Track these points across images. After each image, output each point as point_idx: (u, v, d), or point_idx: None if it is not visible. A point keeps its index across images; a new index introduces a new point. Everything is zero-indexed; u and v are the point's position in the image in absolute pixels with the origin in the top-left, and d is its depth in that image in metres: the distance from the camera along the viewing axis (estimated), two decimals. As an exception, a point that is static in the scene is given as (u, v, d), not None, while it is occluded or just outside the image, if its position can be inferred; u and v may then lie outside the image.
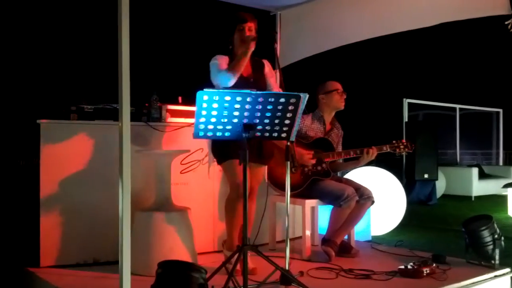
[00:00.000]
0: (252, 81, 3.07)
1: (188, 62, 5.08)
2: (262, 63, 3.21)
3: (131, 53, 2.68)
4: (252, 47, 2.92)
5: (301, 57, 4.49)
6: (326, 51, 4.31)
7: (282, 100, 2.37)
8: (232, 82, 2.91)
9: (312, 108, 3.74)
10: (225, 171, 3.07)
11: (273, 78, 3.21)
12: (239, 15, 3.10)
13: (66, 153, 3.24)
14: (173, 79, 4.90)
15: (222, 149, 3.04)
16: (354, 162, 3.55)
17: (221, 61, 3.03)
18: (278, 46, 4.38)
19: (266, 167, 3.35)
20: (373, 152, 3.46)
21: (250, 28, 3.05)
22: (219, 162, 3.09)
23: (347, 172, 4.97)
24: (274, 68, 3.72)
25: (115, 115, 3.32)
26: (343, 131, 3.80)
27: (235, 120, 2.37)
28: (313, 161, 3.48)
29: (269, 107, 2.37)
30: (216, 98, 2.28)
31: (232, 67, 2.93)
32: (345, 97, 3.65)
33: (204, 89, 2.25)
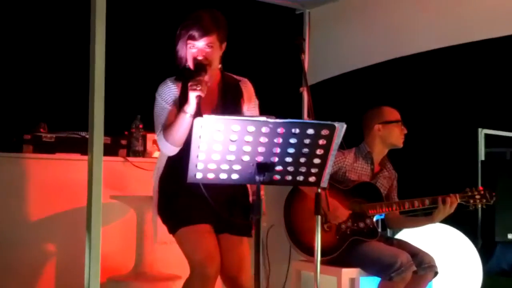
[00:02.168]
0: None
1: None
2: (238, 86, 3.00)
3: (107, 64, 2.72)
4: (202, 93, 2.67)
5: (339, 72, 4.53)
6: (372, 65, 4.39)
7: (311, 131, 2.33)
8: (173, 152, 2.76)
9: (352, 140, 3.72)
10: (181, 244, 2.78)
11: (254, 111, 3.00)
12: (189, 18, 2.83)
13: (15, 197, 3.25)
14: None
15: (175, 208, 2.80)
16: (423, 219, 3.55)
17: (166, 101, 2.83)
18: (306, 57, 4.41)
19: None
20: (453, 202, 3.41)
21: (209, 46, 2.80)
22: (171, 231, 2.81)
23: (398, 232, 4.89)
24: (301, 84, 3.73)
25: (83, 147, 3.32)
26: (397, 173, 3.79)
27: (246, 158, 2.34)
28: (346, 216, 3.42)
29: (292, 140, 2.33)
30: (220, 127, 2.26)
31: (168, 132, 2.75)
32: (405, 132, 3.66)
33: (204, 115, 2.23)
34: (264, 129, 2.28)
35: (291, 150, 2.36)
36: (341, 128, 2.36)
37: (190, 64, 2.83)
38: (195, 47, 2.81)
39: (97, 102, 2.66)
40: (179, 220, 2.78)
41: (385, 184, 3.70)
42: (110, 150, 3.51)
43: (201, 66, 2.77)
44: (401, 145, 3.69)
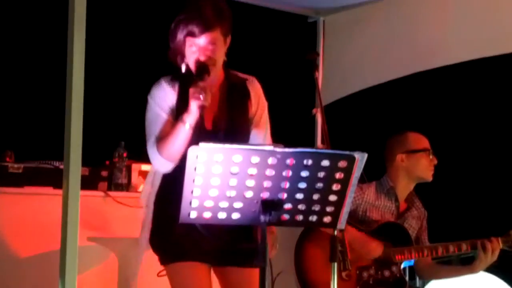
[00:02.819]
0: (221, 137, 2.84)
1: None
2: (244, 86, 2.99)
3: (86, 82, 2.73)
4: (206, 102, 2.68)
5: (358, 88, 4.58)
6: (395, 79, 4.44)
7: (326, 163, 2.34)
8: (166, 168, 2.77)
9: (373, 170, 3.73)
10: (172, 279, 2.83)
11: (262, 123, 2.99)
12: (186, 9, 2.80)
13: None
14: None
15: (171, 237, 2.82)
16: (460, 268, 3.61)
17: (160, 107, 2.83)
18: (320, 74, 4.44)
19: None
20: (495, 248, 3.40)
21: (212, 43, 2.78)
22: (163, 262, 2.87)
23: (429, 282, 4.85)
24: (313, 105, 3.74)
25: (56, 179, 3.32)
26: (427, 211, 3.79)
27: (249, 194, 2.34)
28: (381, 249, 3.43)
29: (304, 174, 2.33)
30: (219, 157, 2.27)
31: (163, 144, 2.75)
32: (435, 163, 3.65)
33: (200, 143, 2.24)
34: (271, 160, 2.28)
35: (302, 185, 2.36)
36: (361, 159, 2.36)
37: (190, 65, 2.82)
38: (196, 45, 2.80)
39: (74, 126, 2.68)
40: (174, 253, 2.82)
41: (413, 224, 3.69)
42: (88, 183, 3.52)
43: (204, 69, 2.76)
44: (430, 179, 3.68)
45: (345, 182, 2.38)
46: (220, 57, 2.87)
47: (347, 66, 4.60)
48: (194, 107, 2.69)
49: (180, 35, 2.81)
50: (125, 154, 3.73)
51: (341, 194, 2.41)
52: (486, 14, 3.97)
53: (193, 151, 2.24)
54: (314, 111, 4.51)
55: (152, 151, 2.81)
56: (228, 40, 2.88)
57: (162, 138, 2.79)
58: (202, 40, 2.79)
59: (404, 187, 3.70)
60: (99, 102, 4.43)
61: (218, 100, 2.93)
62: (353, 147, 2.47)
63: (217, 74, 2.90)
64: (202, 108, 2.69)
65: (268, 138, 3.03)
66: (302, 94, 4.56)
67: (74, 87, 2.71)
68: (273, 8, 4.57)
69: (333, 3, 4.53)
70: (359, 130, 5.56)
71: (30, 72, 4.76)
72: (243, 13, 4.60)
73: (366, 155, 2.35)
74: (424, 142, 3.70)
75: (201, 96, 2.68)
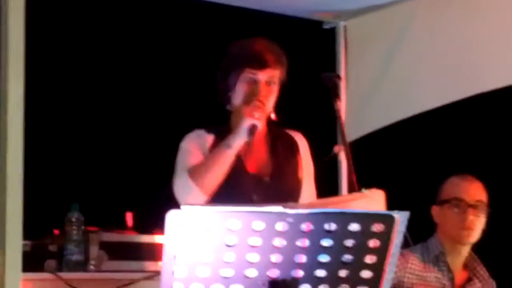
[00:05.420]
0: (267, 182, 3.16)
1: (149, 137, 5.17)
2: (291, 138, 3.32)
3: (29, 119, 2.75)
4: (260, 122, 3.05)
5: (395, 118, 4.59)
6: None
7: (355, 227, 2.35)
8: (198, 199, 3.00)
9: (420, 231, 3.75)
10: None
11: (310, 180, 3.30)
12: (247, 46, 3.22)
13: None
14: (116, 175, 4.95)
15: None
16: None
17: (193, 147, 3.17)
18: (342, 102, 4.44)
19: None
20: None
21: (271, 81, 3.15)
22: None
23: None
24: (335, 141, 3.77)
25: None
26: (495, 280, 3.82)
27: (252, 273, 2.35)
28: None
29: (325, 243, 2.35)
30: (209, 224, 2.29)
31: (198, 171, 3.03)
32: (470, 219, 3.66)
33: (183, 205, 2.26)
34: (281, 226, 2.30)
35: (324, 259, 2.37)
36: (403, 220, 2.38)
37: (239, 101, 3.17)
38: (254, 79, 3.14)
39: (11, 185, 2.70)
40: None
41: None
42: (31, 262, 3.50)
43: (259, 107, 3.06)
44: (462, 242, 3.70)
45: (382, 253, 2.39)
46: (272, 103, 3.20)
47: (379, 89, 4.62)
48: (245, 125, 2.98)
49: (234, 66, 3.18)
50: (80, 221, 3.72)
51: (378, 268, 2.42)
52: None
53: (173, 216, 2.26)
54: (336, 149, 4.51)
55: (181, 180, 3.08)
56: (279, 89, 3.23)
57: (198, 166, 3.07)
58: (262, 76, 3.13)
59: (453, 252, 3.72)
60: (45, 151, 4.46)
61: (263, 146, 3.24)
62: (391, 201, 2.49)
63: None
64: (254, 130, 2.98)
65: (313, 192, 3.33)
66: (319, 126, 4.58)
67: (11, 132, 2.76)
68: (276, 13, 4.59)
69: (357, 2, 4.56)
70: (396, 175, 5.56)
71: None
72: (238, 20, 4.67)
73: (408, 214, 2.38)
74: (458, 190, 3.72)
75: (256, 114, 2.98)
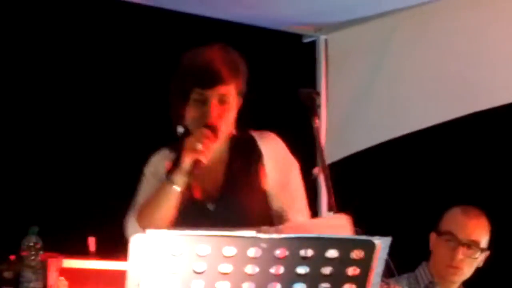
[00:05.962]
0: (212, 209, 3.07)
1: (114, 158, 5.18)
2: (255, 147, 3.16)
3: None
4: (204, 157, 2.91)
5: (380, 139, 4.59)
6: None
7: (333, 253, 2.34)
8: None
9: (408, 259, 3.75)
10: None
11: (290, 191, 3.17)
12: (195, 59, 3.07)
13: None
14: (79, 197, 4.95)
15: None
16: None
17: (150, 173, 3.12)
18: (322, 121, 4.45)
19: None
20: None
21: (224, 100, 3.03)
22: None
23: None
24: (314, 163, 3.76)
25: None
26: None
27: (222, 303, 2.34)
28: None
29: (301, 270, 2.34)
30: (175, 249, 2.27)
31: (145, 217, 2.97)
32: (464, 257, 3.69)
33: (148, 230, 2.25)
34: (253, 252, 2.29)
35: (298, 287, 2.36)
36: (384, 247, 2.37)
37: (190, 123, 3.06)
38: (202, 100, 3.01)
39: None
40: None
41: None
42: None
43: (211, 129, 2.96)
44: (450, 279, 3.74)
45: (362, 281, 2.39)
46: (230, 121, 3.10)
47: (364, 106, 4.64)
48: (187, 161, 2.87)
49: (181, 88, 3.05)
50: (38, 245, 3.72)
51: (357, 299, 2.42)
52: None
53: (137, 241, 2.25)
54: (315, 171, 4.49)
55: (130, 223, 3.03)
56: (240, 101, 3.12)
57: (144, 208, 3.00)
58: (213, 95, 3.00)
59: (444, 283, 3.72)
60: (1, 170, 4.46)
61: (219, 165, 3.13)
62: (374, 226, 2.49)
63: (220, 142, 3.08)
64: (197, 165, 2.87)
65: (301, 208, 3.20)
66: (298, 147, 4.58)
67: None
68: (252, 26, 4.60)
69: (339, 15, 4.58)
70: (381, 199, 5.57)
71: None
72: (214, 32, 4.68)
73: (389, 240, 2.37)
74: (454, 224, 3.74)
75: (198, 147, 2.87)
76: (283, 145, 3.22)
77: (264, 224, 2.95)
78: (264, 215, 3.09)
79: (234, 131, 3.15)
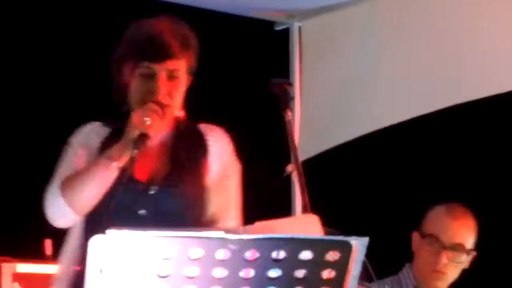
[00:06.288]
0: (155, 192, 3.00)
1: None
2: (203, 142, 3.12)
3: None
4: (152, 131, 2.88)
5: (358, 133, 4.64)
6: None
7: (307, 255, 2.34)
8: (67, 223, 2.93)
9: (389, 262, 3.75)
10: None
11: (226, 192, 3.12)
12: (142, 31, 3.02)
13: None
14: (33, 198, 4.99)
15: None
16: None
17: (78, 144, 3.03)
18: (296, 114, 4.45)
19: None
20: None
21: (173, 75, 2.98)
22: None
23: None
24: (287, 160, 3.74)
25: None
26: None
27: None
28: None
29: (273, 273, 2.33)
30: (138, 251, 2.25)
31: (71, 190, 2.89)
32: (449, 261, 3.68)
33: (108, 230, 2.22)
34: (222, 254, 2.29)
35: (270, 292, 2.35)
36: (361, 248, 2.36)
37: (134, 101, 2.99)
38: (150, 74, 2.95)
39: None
40: None
41: None
42: None
43: (160, 106, 2.91)
44: (433, 284, 3.73)
45: (338, 285, 2.38)
46: (179, 99, 3.03)
47: (340, 98, 4.63)
48: (132, 133, 2.82)
49: (126, 60, 3.01)
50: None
51: (333, 304, 2.40)
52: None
53: (96, 242, 2.24)
54: (288, 168, 4.48)
55: (51, 194, 2.93)
56: (190, 79, 3.07)
57: (72, 179, 2.91)
58: (162, 69, 2.94)
59: (430, 286, 3.72)
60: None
61: (163, 148, 3.08)
62: (350, 225, 2.46)
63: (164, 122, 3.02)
64: (143, 140, 2.83)
65: (234, 216, 3.12)
66: (271, 143, 4.58)
67: None
68: (221, 12, 4.59)
69: (314, 1, 4.59)
70: (358, 196, 5.59)
71: None
72: (181, 18, 4.67)
73: (367, 241, 2.36)
74: (437, 226, 3.74)
75: (147, 120, 2.81)
76: (231, 145, 3.17)
77: (200, 219, 3.02)
78: (201, 212, 3.07)
79: (181, 114, 3.11)
